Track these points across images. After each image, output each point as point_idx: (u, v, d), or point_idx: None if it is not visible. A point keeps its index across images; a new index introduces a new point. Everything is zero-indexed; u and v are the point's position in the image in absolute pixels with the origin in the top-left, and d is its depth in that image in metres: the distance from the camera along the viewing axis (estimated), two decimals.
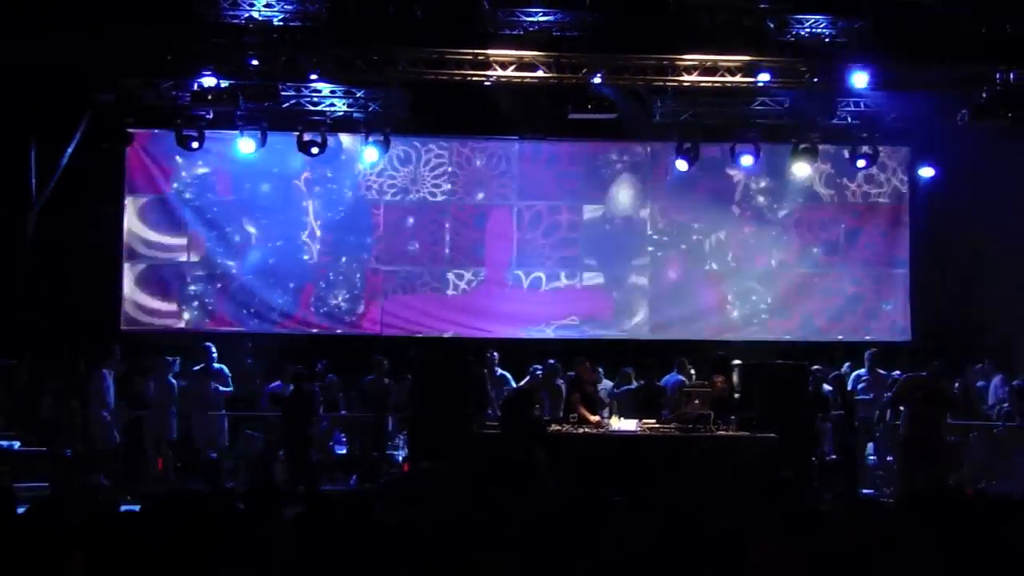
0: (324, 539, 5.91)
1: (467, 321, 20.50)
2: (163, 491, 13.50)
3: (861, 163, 19.52)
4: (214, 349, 17.68)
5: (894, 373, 17.55)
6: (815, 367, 17.23)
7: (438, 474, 14.02)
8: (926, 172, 19.78)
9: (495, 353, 18.34)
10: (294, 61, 17.12)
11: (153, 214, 20.11)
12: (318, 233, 20.39)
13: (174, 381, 17.36)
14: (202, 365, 17.52)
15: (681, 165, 19.55)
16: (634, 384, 17.66)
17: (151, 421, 17.18)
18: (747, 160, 19.49)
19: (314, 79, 17.88)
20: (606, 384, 18.02)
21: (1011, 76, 17.20)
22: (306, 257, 20.37)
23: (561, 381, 17.51)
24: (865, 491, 16.38)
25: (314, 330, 20.32)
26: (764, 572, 5.34)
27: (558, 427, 14.87)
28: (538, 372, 17.98)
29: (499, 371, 18.28)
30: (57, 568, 5.25)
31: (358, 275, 20.44)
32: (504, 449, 13.92)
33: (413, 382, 16.08)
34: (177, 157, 19.89)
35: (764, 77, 17.35)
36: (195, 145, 18.65)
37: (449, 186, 20.53)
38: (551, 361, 18.02)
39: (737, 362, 16.53)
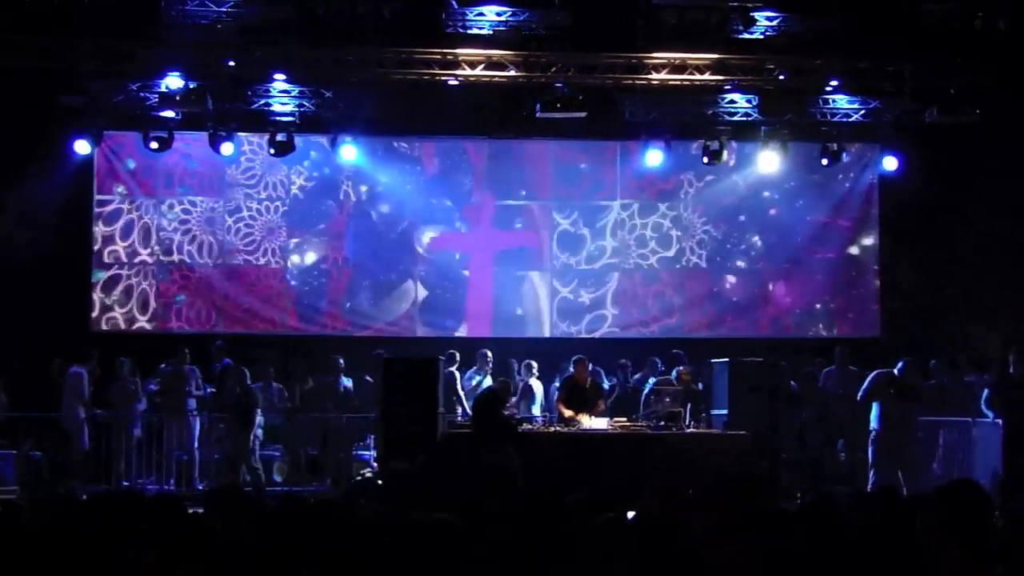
0: (298, 540, 5.87)
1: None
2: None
3: (828, 161, 19.53)
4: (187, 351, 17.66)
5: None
6: (783, 364, 17.25)
7: (409, 474, 14.09)
8: (889, 163, 19.76)
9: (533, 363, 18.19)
10: (262, 62, 17.08)
11: (120, 216, 20.01)
12: (287, 235, 20.34)
13: (139, 381, 17.28)
14: (174, 366, 17.45)
15: (654, 157, 19.55)
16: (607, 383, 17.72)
17: (117, 422, 17.10)
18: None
19: (281, 79, 17.83)
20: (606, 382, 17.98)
21: (979, 72, 17.27)
22: (277, 259, 20.29)
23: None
24: (836, 487, 16.40)
25: (290, 330, 20.26)
26: (722, 571, 5.33)
27: (529, 426, 14.89)
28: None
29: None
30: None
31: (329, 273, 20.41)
32: (474, 449, 13.97)
33: (383, 382, 16.04)
34: (141, 158, 19.81)
35: (733, 77, 17.42)
36: (154, 146, 18.58)
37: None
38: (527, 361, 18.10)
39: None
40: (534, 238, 20.72)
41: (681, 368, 16.56)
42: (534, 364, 17.93)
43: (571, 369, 16.02)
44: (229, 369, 17.46)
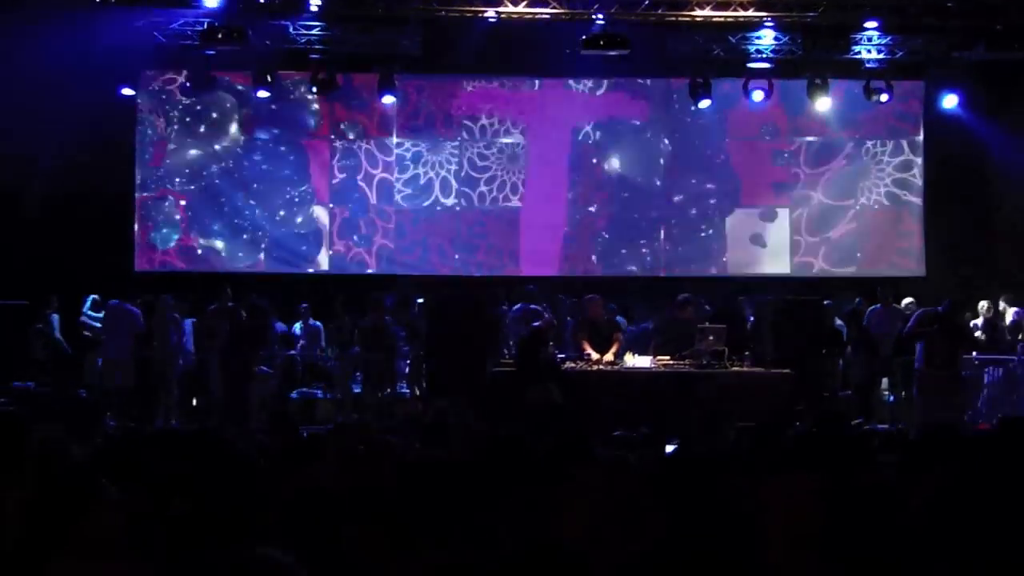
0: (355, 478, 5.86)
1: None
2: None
3: (880, 96, 19.28)
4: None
5: (906, 302, 17.60)
6: (826, 302, 17.21)
7: (455, 412, 14.15)
8: (950, 101, 19.49)
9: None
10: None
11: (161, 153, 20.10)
12: (330, 174, 20.35)
13: (177, 317, 17.25)
14: (216, 304, 17.45)
15: (704, 104, 19.39)
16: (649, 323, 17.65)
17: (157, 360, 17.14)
18: (758, 95, 19.30)
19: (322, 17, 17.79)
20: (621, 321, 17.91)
21: None
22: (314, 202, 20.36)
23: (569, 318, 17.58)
24: (880, 426, 16.39)
25: (318, 270, 20.32)
26: (778, 507, 5.31)
27: (572, 365, 14.90)
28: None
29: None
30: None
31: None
32: (519, 387, 14.04)
33: (427, 321, 16.07)
34: (183, 97, 19.86)
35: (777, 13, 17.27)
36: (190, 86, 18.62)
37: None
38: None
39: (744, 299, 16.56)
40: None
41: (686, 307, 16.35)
42: None
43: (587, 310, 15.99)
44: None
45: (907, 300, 17.82)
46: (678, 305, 16.01)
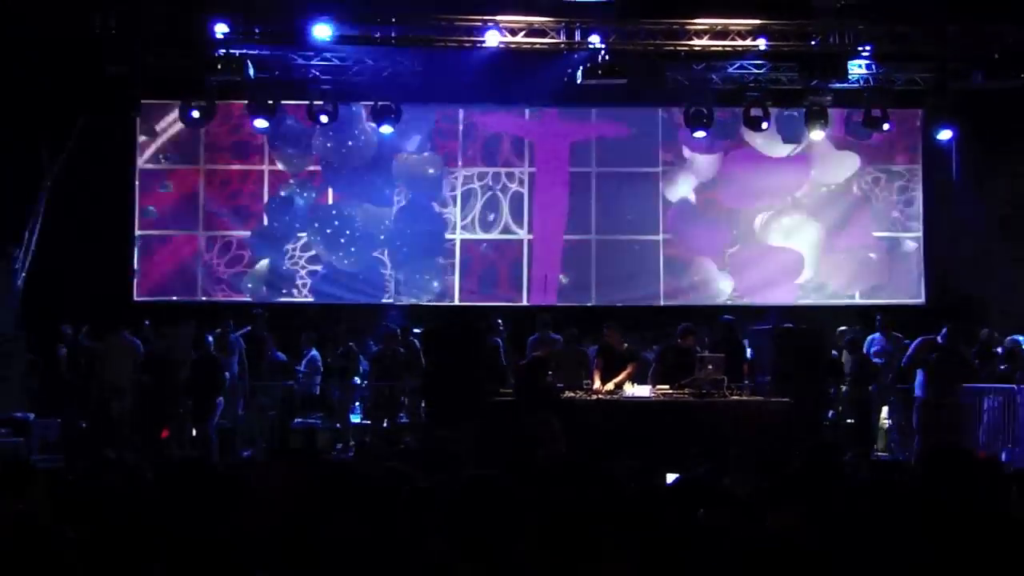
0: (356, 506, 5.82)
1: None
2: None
3: (879, 126, 19.28)
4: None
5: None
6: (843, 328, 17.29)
7: (454, 441, 14.11)
8: (944, 134, 19.57)
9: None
10: (303, 29, 17.03)
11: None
12: (331, 200, 20.42)
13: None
14: (219, 334, 17.46)
15: (699, 135, 19.40)
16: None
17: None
18: (756, 124, 19.29)
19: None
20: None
21: (1023, 36, 17.10)
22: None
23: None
24: (881, 455, 16.36)
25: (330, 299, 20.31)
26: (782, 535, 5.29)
27: (571, 394, 14.87)
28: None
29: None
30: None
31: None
32: (516, 417, 13.99)
33: (425, 351, 16.07)
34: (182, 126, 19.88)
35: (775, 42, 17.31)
36: (196, 115, 18.58)
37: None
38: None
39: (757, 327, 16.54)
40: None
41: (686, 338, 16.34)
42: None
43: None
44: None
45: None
46: (679, 335, 15.99)
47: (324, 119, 18.86)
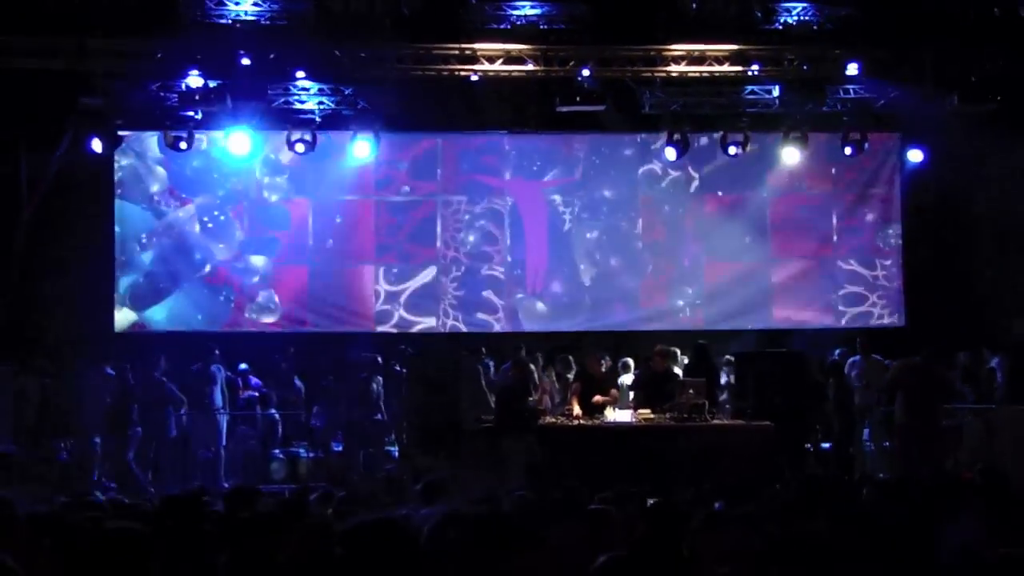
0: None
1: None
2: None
3: (850, 150, 19.36)
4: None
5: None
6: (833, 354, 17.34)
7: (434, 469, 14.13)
8: (914, 156, 19.74)
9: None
10: (281, 60, 17.07)
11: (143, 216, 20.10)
12: (310, 231, 20.39)
13: (164, 380, 17.26)
14: (200, 365, 17.45)
15: (670, 154, 19.38)
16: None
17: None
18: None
19: (302, 77, 17.84)
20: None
21: (998, 60, 17.19)
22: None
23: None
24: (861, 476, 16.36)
25: (309, 328, 20.24)
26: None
27: (552, 420, 14.88)
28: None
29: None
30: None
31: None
32: (495, 442, 14.04)
33: (407, 377, 16.08)
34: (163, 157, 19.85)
35: (752, 67, 17.37)
36: (183, 146, 18.56)
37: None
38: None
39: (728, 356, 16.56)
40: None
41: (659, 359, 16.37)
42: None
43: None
44: None
45: None
46: (653, 357, 16.02)
47: (300, 149, 18.79)
